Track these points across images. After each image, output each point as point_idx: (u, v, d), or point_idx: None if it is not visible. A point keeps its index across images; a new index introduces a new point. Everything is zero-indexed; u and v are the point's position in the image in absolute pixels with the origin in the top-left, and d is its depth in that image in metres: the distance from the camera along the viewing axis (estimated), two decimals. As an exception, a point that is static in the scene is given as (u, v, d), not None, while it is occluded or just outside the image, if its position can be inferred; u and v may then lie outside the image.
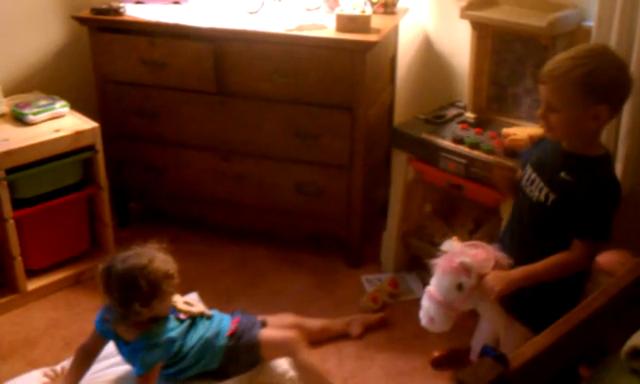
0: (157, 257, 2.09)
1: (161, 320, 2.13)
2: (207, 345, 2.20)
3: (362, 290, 2.79)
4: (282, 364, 2.26)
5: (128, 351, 2.12)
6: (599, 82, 1.83)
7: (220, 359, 2.22)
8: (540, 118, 1.95)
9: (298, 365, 2.26)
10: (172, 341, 2.12)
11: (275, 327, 2.33)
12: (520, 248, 2.05)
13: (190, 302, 2.29)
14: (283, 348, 2.27)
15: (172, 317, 2.17)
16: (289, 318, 2.44)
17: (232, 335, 2.24)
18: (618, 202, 1.92)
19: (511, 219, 2.15)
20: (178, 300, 2.26)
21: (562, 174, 1.93)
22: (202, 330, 2.21)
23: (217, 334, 2.22)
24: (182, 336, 2.16)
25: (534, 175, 2.02)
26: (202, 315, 2.26)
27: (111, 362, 2.26)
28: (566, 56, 1.88)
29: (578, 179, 1.90)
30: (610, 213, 1.91)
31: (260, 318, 2.35)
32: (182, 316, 2.21)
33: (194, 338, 2.19)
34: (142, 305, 2.03)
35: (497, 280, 1.96)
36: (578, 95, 1.83)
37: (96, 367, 2.24)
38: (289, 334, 2.29)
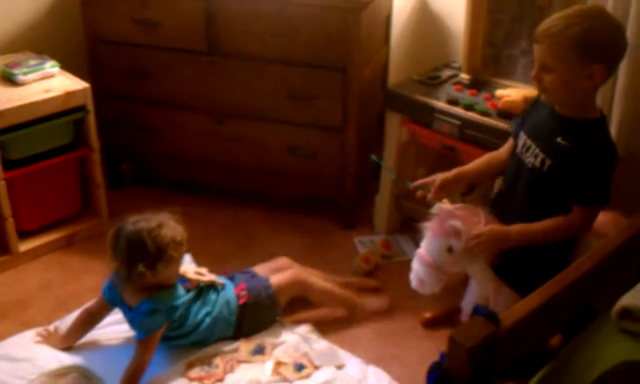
0: (167, 223, 2.10)
1: (167, 288, 2.13)
2: (217, 320, 2.21)
3: (355, 252, 2.79)
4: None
5: (131, 317, 2.13)
6: (594, 40, 1.81)
7: (233, 328, 2.25)
8: (534, 79, 1.94)
9: (313, 293, 2.37)
10: (174, 308, 2.12)
11: (273, 271, 2.40)
12: (513, 214, 2.05)
13: (201, 272, 2.30)
14: (293, 286, 2.34)
15: (179, 286, 2.18)
16: (282, 261, 2.50)
17: (245, 304, 2.26)
18: (615, 164, 1.92)
19: (505, 186, 2.15)
20: (189, 269, 2.27)
21: (559, 140, 1.92)
22: (209, 306, 2.21)
23: (225, 306, 2.23)
24: (186, 306, 2.16)
25: (529, 141, 2.01)
26: (211, 285, 2.27)
27: (117, 319, 2.28)
28: (561, 15, 1.87)
29: (575, 144, 1.90)
30: (608, 176, 1.91)
31: (252, 269, 2.42)
32: (190, 286, 2.22)
33: (201, 312, 2.19)
34: (147, 266, 2.04)
35: (494, 233, 1.96)
36: (573, 53, 1.82)
37: (106, 320, 2.28)
38: (291, 271, 2.39)
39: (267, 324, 2.31)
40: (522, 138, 2.04)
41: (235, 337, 2.26)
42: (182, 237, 2.12)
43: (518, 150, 2.06)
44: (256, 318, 2.27)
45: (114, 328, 2.29)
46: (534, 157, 1.98)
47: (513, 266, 2.02)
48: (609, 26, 1.85)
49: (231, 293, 2.27)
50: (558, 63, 1.85)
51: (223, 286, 2.28)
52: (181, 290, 2.17)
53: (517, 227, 1.98)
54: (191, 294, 2.20)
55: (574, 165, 1.89)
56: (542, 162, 1.95)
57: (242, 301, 2.26)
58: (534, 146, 1.99)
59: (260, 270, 2.44)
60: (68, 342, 2.22)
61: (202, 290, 2.24)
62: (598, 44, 1.82)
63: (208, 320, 2.19)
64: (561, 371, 1.62)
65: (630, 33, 2.24)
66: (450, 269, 2.05)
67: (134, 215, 2.12)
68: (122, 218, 2.14)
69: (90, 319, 2.23)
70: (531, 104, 2.13)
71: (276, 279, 2.34)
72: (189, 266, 2.34)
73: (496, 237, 1.97)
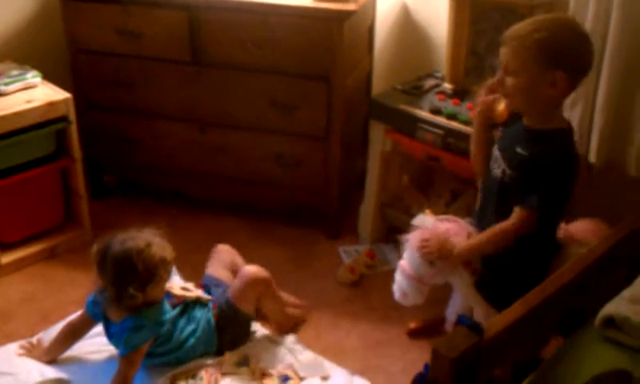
0: (154, 242, 2.07)
1: (154, 304, 2.11)
2: (200, 340, 2.20)
3: (340, 262, 2.79)
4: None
5: (116, 332, 2.10)
6: (557, 47, 1.83)
7: (216, 344, 2.23)
8: (497, 82, 1.95)
9: (271, 297, 2.31)
10: (160, 323, 2.10)
11: (228, 270, 2.40)
12: (488, 225, 2.05)
13: (187, 287, 2.28)
14: (254, 287, 2.25)
15: (166, 302, 2.16)
16: (223, 250, 2.48)
17: (217, 321, 2.23)
18: (571, 175, 1.91)
19: (481, 197, 2.15)
20: (176, 285, 2.26)
21: (518, 149, 1.93)
22: (194, 324, 2.19)
23: (207, 325, 2.21)
24: (172, 322, 2.15)
25: (497, 153, 2.02)
26: (197, 301, 2.25)
27: (98, 331, 2.25)
28: (529, 21, 1.91)
29: (532, 153, 1.90)
30: (558, 186, 1.89)
31: (207, 271, 2.41)
32: (176, 301, 2.20)
33: (186, 329, 2.18)
34: (137, 289, 2.01)
35: (440, 242, 1.98)
36: (535, 57, 1.83)
37: (93, 331, 2.25)
38: (247, 273, 2.26)
39: (243, 336, 2.28)
40: (495, 150, 2.05)
41: (219, 352, 2.24)
42: (170, 255, 2.09)
43: (490, 162, 2.07)
44: (231, 332, 2.24)
45: (100, 339, 2.26)
46: (498, 167, 1.99)
47: (493, 282, 2.02)
48: (575, 35, 1.87)
49: (210, 311, 2.25)
50: (520, 66, 1.86)
51: (208, 303, 2.26)
52: (167, 305, 2.16)
53: (465, 244, 1.99)
54: (177, 310, 2.19)
55: (530, 174, 1.89)
56: (504, 172, 1.96)
57: (215, 318, 2.23)
58: (500, 158, 2.00)
59: (214, 269, 2.42)
60: (51, 355, 2.20)
61: (188, 306, 2.23)
62: (562, 50, 1.83)
63: (192, 340, 2.18)
64: (545, 380, 1.62)
65: (610, 43, 2.26)
66: (430, 280, 2.05)
67: (120, 232, 2.08)
68: (107, 233, 2.11)
69: (73, 333, 2.21)
70: (513, 118, 2.14)
71: (233, 288, 2.26)
72: (175, 281, 2.32)
73: (442, 246, 1.98)
